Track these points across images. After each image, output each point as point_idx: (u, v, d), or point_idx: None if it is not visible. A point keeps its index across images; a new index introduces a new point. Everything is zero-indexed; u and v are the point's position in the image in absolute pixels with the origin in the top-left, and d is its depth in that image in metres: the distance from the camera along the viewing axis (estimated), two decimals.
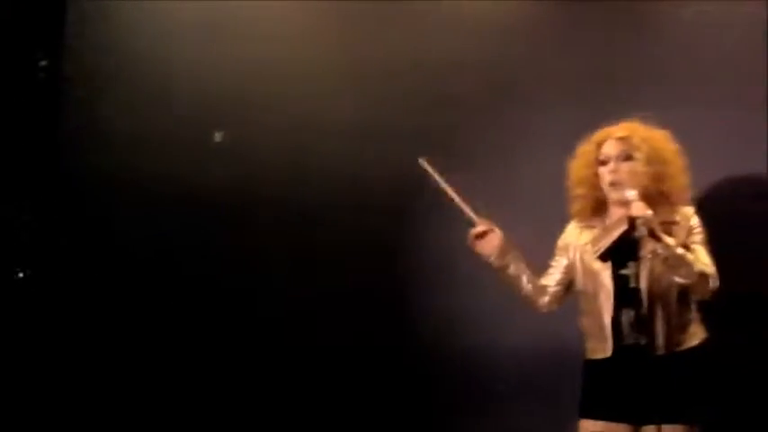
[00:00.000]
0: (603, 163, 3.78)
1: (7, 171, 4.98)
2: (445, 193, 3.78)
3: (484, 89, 4.76)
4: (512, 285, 3.85)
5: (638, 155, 3.76)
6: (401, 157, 4.65)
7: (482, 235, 3.77)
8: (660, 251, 3.54)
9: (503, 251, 3.77)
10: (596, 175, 3.80)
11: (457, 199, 3.77)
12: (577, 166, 3.85)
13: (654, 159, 3.75)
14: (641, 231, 3.51)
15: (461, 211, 3.76)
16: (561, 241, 3.92)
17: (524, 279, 3.84)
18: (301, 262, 4.82)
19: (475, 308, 4.65)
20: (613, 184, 3.72)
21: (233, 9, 4.95)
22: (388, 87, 4.83)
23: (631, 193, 3.60)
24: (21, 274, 4.93)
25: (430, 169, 3.78)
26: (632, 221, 3.55)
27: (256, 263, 4.85)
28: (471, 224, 3.77)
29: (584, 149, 3.85)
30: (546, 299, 3.89)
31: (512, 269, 3.81)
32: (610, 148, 3.79)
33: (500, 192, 4.61)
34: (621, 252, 3.67)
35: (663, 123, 4.17)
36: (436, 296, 4.71)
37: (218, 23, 4.97)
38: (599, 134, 3.84)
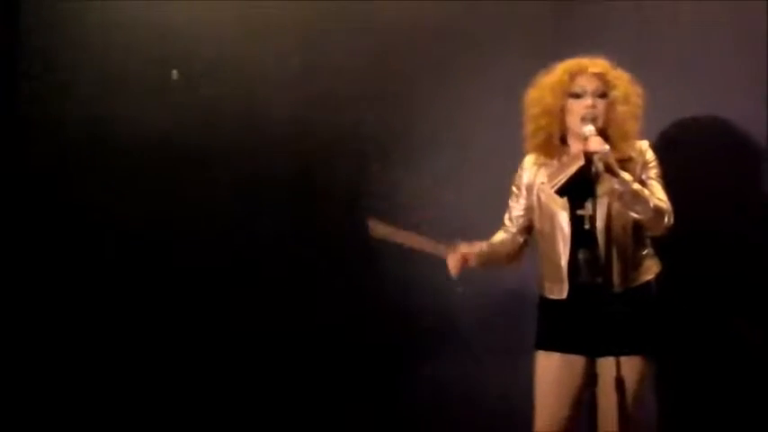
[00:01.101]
0: (577, 96, 3.72)
1: None
2: (404, 243, 3.78)
3: (436, 53, 4.74)
4: (494, 265, 3.88)
5: (614, 93, 3.73)
6: (353, 118, 4.76)
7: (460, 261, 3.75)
8: (617, 186, 3.55)
9: (478, 256, 3.77)
10: (563, 106, 3.75)
11: (418, 242, 3.76)
12: (543, 96, 3.76)
13: (627, 99, 3.74)
14: (598, 167, 3.51)
15: (426, 251, 3.76)
16: (518, 179, 3.89)
17: (502, 254, 3.88)
18: (263, 209, 4.80)
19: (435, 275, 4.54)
20: (585, 119, 3.65)
21: None
22: (340, 49, 4.78)
23: (589, 128, 3.60)
24: None
25: (381, 230, 3.77)
26: (589, 157, 3.55)
27: (211, 223, 4.83)
28: (441, 256, 3.76)
29: (554, 79, 3.75)
30: (518, 247, 3.90)
31: (489, 258, 3.81)
32: (586, 82, 3.72)
33: (452, 155, 4.67)
34: (579, 191, 3.65)
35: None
36: (401, 266, 4.66)
37: None
38: (570, 65, 3.76)
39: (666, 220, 3.67)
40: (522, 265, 3.97)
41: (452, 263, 3.75)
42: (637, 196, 3.59)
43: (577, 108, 3.71)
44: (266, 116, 4.81)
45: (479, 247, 3.79)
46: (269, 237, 4.78)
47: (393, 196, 4.69)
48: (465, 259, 3.75)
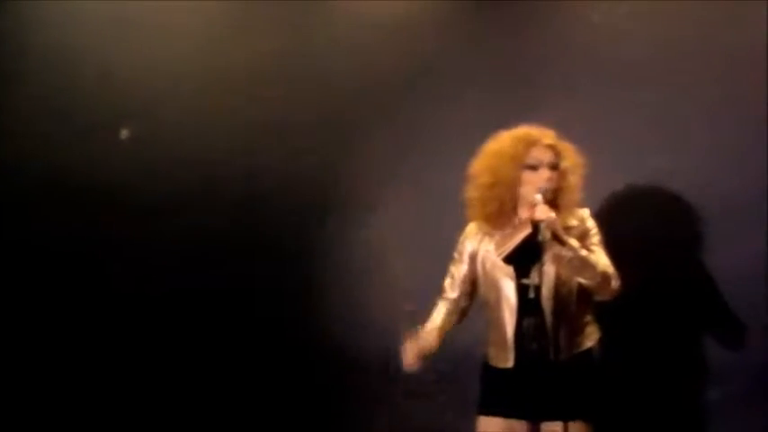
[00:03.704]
0: (533, 168, 3.73)
1: None
2: None
3: (387, 85, 4.79)
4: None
5: (564, 163, 3.76)
6: (306, 154, 4.81)
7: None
8: (564, 253, 3.58)
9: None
10: (519, 177, 3.74)
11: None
12: (497, 166, 3.75)
13: (575, 170, 3.78)
14: (545, 235, 3.53)
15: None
16: (461, 245, 3.89)
17: (447, 329, 3.89)
18: (207, 258, 4.82)
19: (385, 306, 4.68)
20: (541, 191, 3.64)
21: (141, 7, 4.92)
22: (294, 84, 4.84)
23: (537, 197, 3.63)
24: None
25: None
26: (536, 224, 3.57)
27: (160, 259, 4.84)
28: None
29: (509, 150, 3.74)
30: (460, 314, 3.91)
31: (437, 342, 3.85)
32: (541, 154, 3.74)
33: (407, 184, 4.73)
34: (524, 259, 3.68)
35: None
36: (346, 293, 4.75)
37: (126, 20, 4.91)
38: (523, 136, 3.76)
39: (614, 284, 3.71)
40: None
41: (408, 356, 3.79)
42: (585, 262, 3.62)
43: (534, 180, 3.72)
44: (218, 169, 4.86)
45: (425, 342, 3.81)
46: (212, 290, 4.81)
47: (342, 250, 4.75)
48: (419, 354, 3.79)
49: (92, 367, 4.82)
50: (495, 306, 3.78)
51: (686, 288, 4.48)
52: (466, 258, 3.87)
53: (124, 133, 4.82)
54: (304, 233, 4.77)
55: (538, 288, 3.65)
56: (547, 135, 3.78)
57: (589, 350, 3.79)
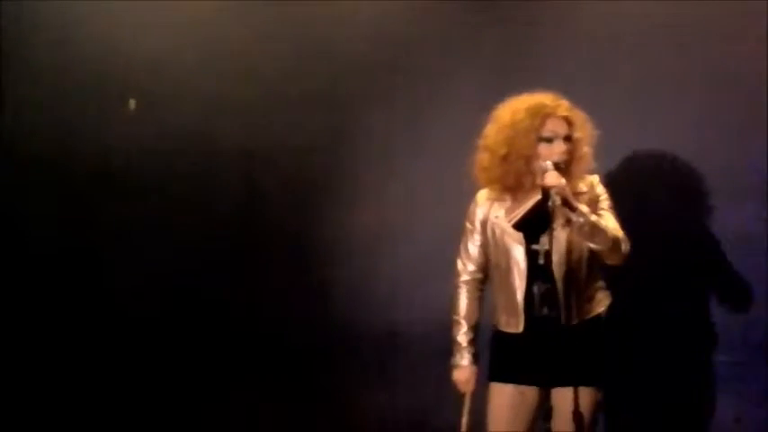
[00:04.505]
0: (548, 140, 3.70)
1: None
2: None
3: (387, 76, 4.80)
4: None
5: (577, 134, 3.74)
6: (306, 145, 4.83)
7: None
8: (575, 219, 3.57)
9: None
10: (535, 150, 3.70)
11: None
12: (513, 138, 3.71)
13: (588, 140, 3.77)
14: (555, 200, 3.53)
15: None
16: (472, 214, 3.87)
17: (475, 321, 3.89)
18: (206, 250, 4.85)
19: (381, 282, 4.77)
20: (558, 164, 3.63)
21: None
22: (296, 59, 4.84)
23: (547, 163, 3.63)
24: None
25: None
26: (546, 191, 3.57)
27: (159, 251, 4.85)
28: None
29: (528, 122, 3.70)
30: (482, 290, 3.90)
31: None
32: (558, 126, 3.71)
33: (405, 165, 4.76)
34: (534, 225, 3.68)
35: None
36: (345, 285, 4.80)
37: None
38: (538, 107, 3.72)
39: (624, 248, 3.71)
40: None
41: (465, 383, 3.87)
42: (595, 227, 3.61)
43: (549, 153, 3.69)
44: (219, 145, 4.85)
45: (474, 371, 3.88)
46: (216, 268, 4.83)
47: (341, 230, 4.77)
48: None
49: (90, 358, 4.84)
50: (504, 271, 3.78)
51: (693, 257, 4.52)
52: (478, 227, 3.86)
53: (132, 103, 4.81)
54: (303, 222, 4.79)
55: (548, 254, 3.65)
56: (561, 106, 3.75)
57: (599, 316, 3.79)
